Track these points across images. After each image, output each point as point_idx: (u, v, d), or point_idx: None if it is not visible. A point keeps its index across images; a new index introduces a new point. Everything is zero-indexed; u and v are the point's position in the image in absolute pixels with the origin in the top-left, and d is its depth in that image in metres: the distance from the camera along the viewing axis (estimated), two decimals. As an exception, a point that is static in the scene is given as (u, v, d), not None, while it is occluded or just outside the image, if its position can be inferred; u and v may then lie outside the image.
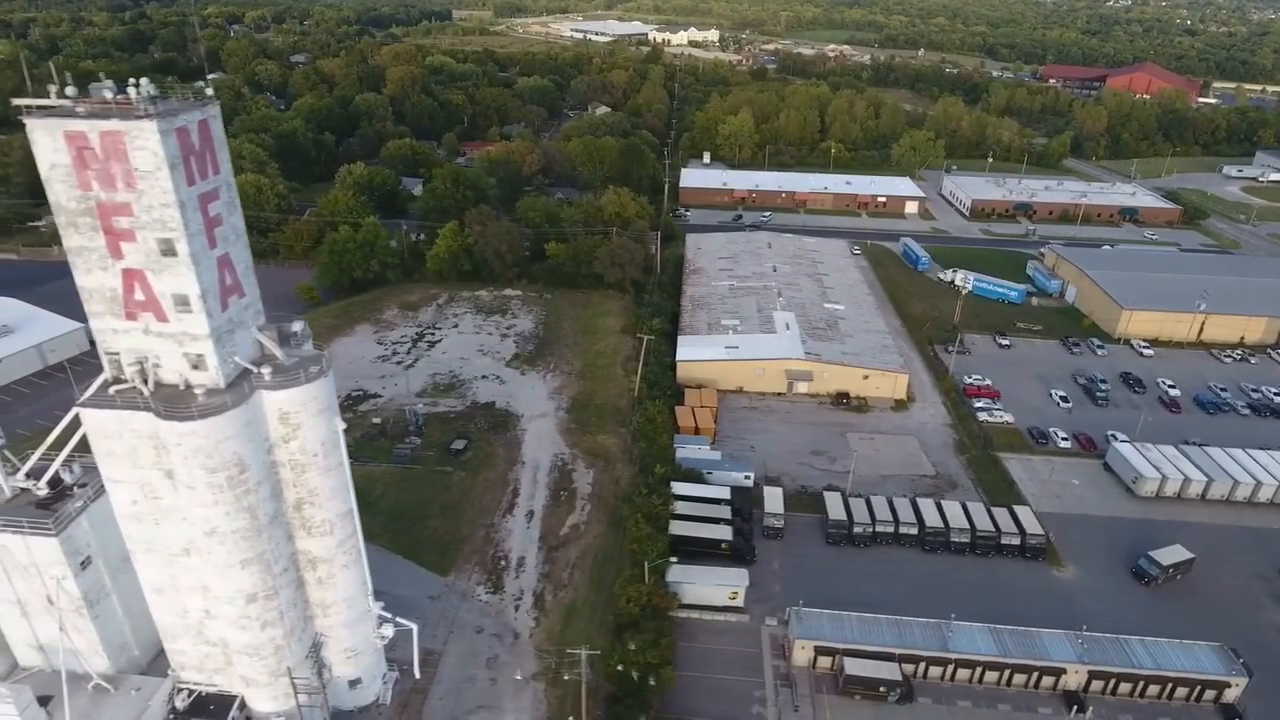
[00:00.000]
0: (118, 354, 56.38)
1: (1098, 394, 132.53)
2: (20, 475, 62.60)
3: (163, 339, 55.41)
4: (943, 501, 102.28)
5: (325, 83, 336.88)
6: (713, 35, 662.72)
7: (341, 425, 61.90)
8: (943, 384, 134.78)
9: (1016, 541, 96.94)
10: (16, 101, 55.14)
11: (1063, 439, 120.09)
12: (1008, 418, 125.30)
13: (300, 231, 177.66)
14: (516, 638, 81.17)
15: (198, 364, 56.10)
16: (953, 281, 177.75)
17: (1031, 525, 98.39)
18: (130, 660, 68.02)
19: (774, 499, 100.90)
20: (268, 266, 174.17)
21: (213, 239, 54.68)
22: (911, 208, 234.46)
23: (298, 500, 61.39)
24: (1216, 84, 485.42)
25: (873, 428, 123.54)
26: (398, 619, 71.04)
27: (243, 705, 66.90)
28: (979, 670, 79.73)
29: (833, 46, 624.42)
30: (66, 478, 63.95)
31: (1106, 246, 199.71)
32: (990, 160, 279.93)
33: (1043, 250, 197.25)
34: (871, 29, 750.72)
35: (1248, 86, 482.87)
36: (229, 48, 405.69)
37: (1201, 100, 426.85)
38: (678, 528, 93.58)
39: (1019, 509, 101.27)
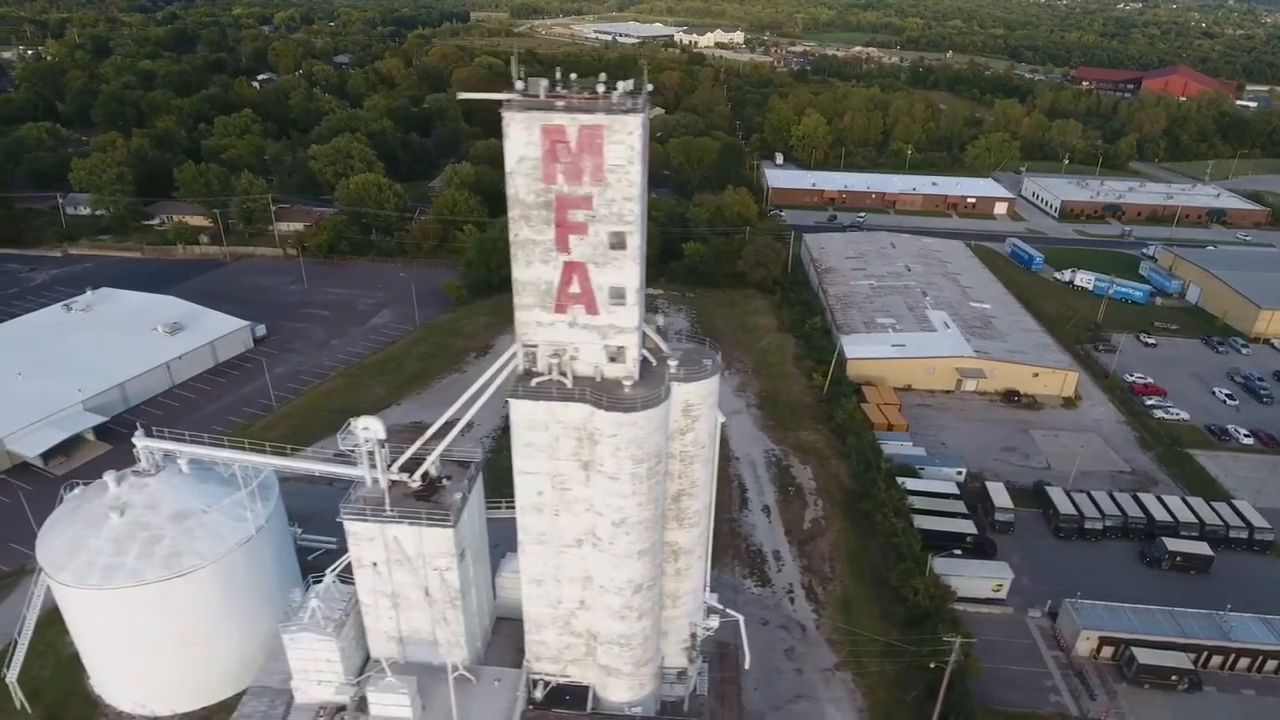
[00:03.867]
0: (536, 346, 57.07)
1: (1261, 392, 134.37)
2: (394, 469, 63.03)
3: (587, 331, 56.13)
4: (1162, 496, 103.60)
5: (384, 83, 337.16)
6: (738, 37, 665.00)
7: (722, 418, 62.73)
8: (1105, 382, 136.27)
9: (1244, 535, 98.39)
10: (465, 95, 56.06)
11: (1245, 436, 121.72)
12: (1183, 415, 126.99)
13: (426, 231, 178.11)
14: (804, 630, 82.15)
15: (616, 356, 56.84)
16: (1071, 281, 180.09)
17: (1256, 519, 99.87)
18: (475, 652, 68.63)
19: (999, 493, 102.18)
20: (395, 265, 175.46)
21: (641, 232, 55.39)
22: (1001, 209, 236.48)
23: (678, 492, 62.13)
24: (1249, 86, 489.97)
25: (1052, 425, 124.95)
26: (727, 610, 71.88)
27: (595, 696, 67.58)
28: (1260, 659, 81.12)
29: (858, 48, 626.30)
30: (432, 472, 64.49)
31: (1210, 248, 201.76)
32: (1066, 162, 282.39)
33: (1147, 251, 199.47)
34: (888, 31, 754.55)
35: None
36: (277, 48, 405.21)
37: (1239, 103, 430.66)
38: (920, 522, 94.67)
39: (1238, 503, 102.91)
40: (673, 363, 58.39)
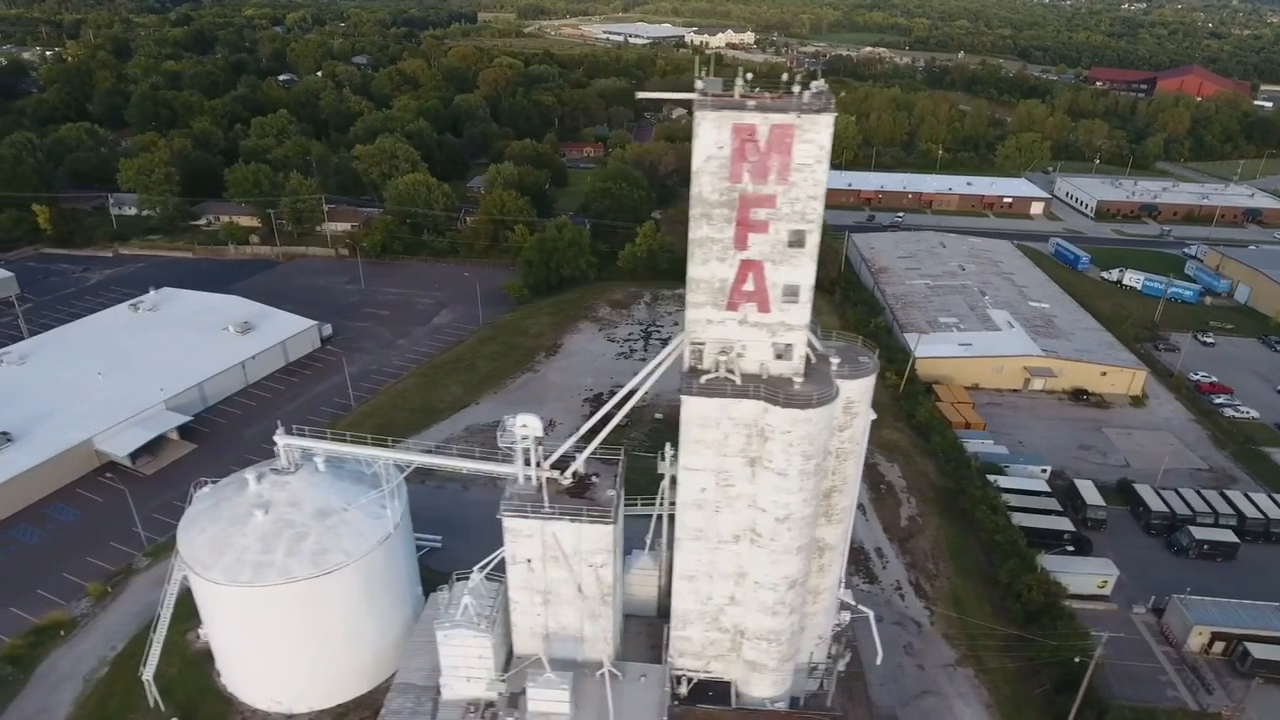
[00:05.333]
0: (703, 344, 57.58)
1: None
2: (545, 465, 63.43)
3: (756, 329, 56.68)
4: (1250, 493, 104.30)
5: (408, 84, 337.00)
6: (749, 37, 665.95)
7: (873, 415, 63.20)
8: (1170, 381, 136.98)
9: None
10: (645, 95, 56.49)
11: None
12: (1253, 413, 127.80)
13: (478, 231, 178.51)
14: (919, 626, 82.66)
15: (783, 353, 57.38)
16: (1120, 281, 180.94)
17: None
18: (616, 648, 68.92)
19: (1089, 491, 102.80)
20: (448, 265, 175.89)
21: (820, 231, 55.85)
22: (1037, 209, 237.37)
23: (829, 488, 62.55)
24: (1262, 86, 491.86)
25: (1123, 423, 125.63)
26: (859, 606, 72.40)
27: (736, 692, 68.01)
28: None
29: (868, 49, 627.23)
30: (580, 469, 64.80)
31: (1252, 247, 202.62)
32: (1097, 162, 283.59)
33: (1189, 251, 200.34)
34: (895, 31, 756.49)
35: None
36: (296, 49, 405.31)
37: (1255, 104, 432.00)
38: (1016, 519, 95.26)
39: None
40: (835, 360, 58.87)
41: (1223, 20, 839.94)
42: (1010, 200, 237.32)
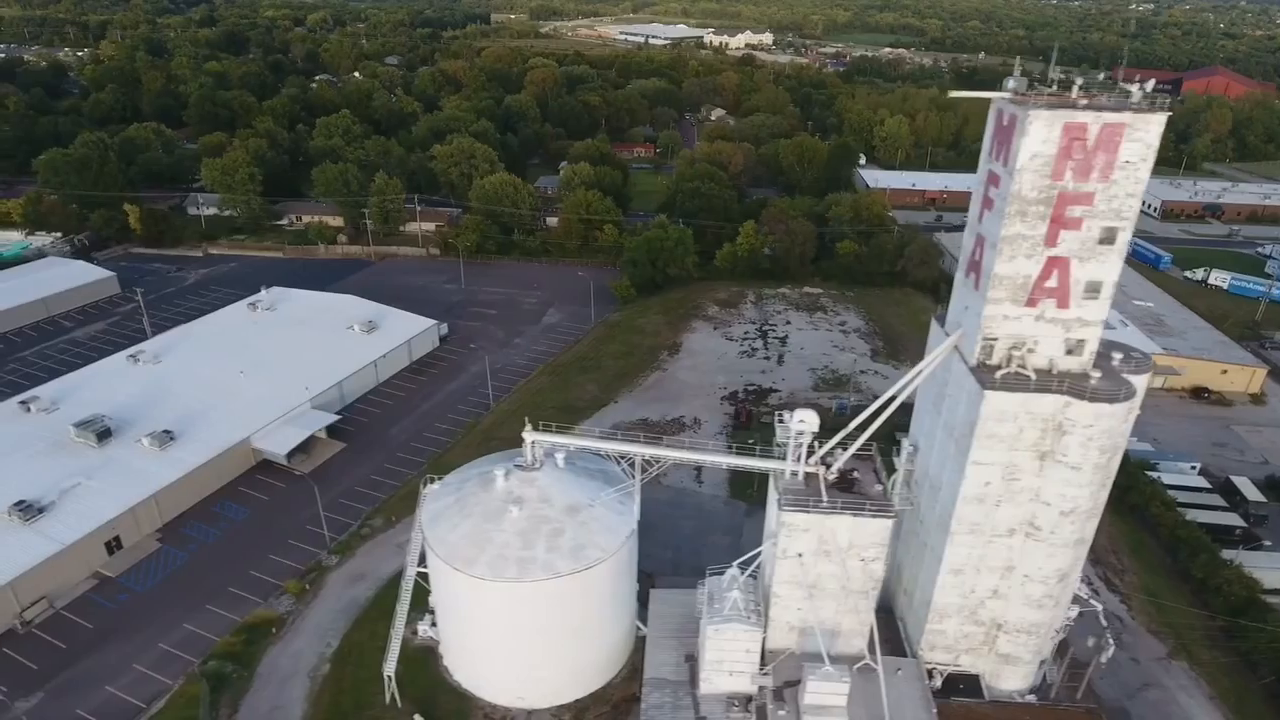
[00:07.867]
0: (996, 339, 58.23)
1: None
2: (813, 461, 64.10)
3: (1050, 324, 57.42)
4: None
5: (450, 84, 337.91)
6: (768, 38, 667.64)
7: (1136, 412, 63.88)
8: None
9: None
10: (957, 94, 57.12)
11: None
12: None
13: (569, 230, 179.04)
14: (1121, 620, 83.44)
15: (1074, 349, 58.18)
16: (1204, 280, 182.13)
17: None
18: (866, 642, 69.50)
19: (1248, 487, 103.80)
20: (541, 265, 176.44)
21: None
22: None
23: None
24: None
25: (1250, 420, 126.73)
26: (1090, 600, 73.13)
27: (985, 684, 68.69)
28: None
29: (887, 49, 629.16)
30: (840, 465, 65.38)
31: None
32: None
33: (1263, 250, 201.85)
34: (907, 32, 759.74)
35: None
36: (331, 50, 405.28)
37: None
38: (1189, 515, 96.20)
39: None
40: (1116, 355, 59.70)
41: (1233, 21, 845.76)
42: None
